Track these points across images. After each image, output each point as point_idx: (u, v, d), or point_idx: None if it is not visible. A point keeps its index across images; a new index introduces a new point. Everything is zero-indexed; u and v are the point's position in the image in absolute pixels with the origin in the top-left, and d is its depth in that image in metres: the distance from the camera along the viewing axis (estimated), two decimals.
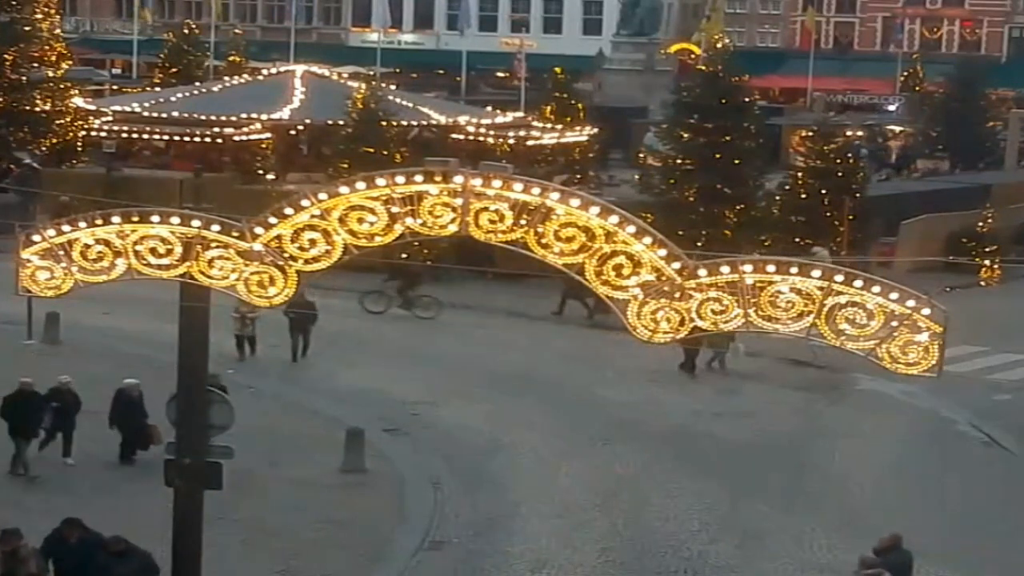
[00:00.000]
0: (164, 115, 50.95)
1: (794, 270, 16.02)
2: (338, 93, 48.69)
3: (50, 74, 51.54)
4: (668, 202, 42.15)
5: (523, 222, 16.05)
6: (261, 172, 48.15)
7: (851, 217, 41.41)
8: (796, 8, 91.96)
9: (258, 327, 31.91)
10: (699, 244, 35.51)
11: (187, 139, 49.49)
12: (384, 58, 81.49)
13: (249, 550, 21.73)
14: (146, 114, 51.64)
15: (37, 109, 50.37)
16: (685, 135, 43.63)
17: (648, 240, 16.05)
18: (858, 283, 15.91)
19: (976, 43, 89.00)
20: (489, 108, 57.52)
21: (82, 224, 16.98)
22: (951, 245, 44.40)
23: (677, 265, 16.06)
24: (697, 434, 28.90)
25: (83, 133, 51.12)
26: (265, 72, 58.72)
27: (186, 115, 50.47)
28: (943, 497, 25.81)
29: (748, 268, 16.07)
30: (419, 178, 16.19)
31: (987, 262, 44.41)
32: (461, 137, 51.05)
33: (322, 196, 16.47)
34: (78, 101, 52.29)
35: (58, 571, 18.47)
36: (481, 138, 50.84)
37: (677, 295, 16.08)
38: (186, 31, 65.40)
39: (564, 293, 36.75)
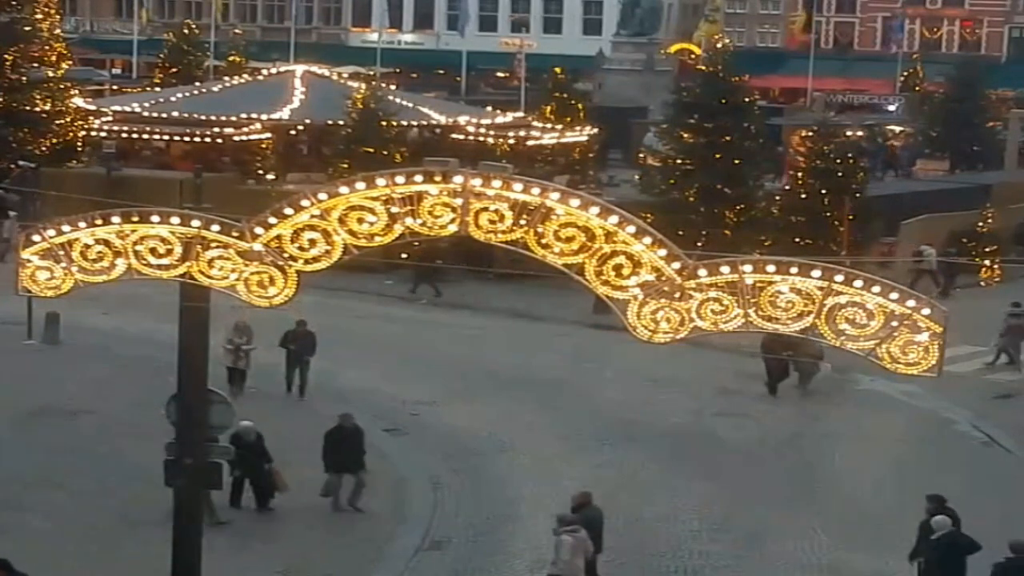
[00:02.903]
0: (164, 115, 50.96)
1: (794, 270, 16.01)
2: (338, 93, 48.70)
3: (50, 74, 51.51)
4: (668, 202, 42.17)
5: (523, 222, 16.05)
6: (261, 172, 48.15)
7: (851, 217, 41.40)
8: (796, 8, 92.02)
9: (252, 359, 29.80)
10: (699, 244, 35.53)
11: (187, 139, 49.50)
12: (384, 58, 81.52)
13: (249, 550, 21.73)
14: (146, 114, 51.66)
15: (37, 109, 50.36)
16: (685, 135, 43.67)
17: (648, 240, 16.05)
18: (858, 283, 15.91)
19: (976, 43, 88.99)
20: (489, 108, 57.53)
21: (82, 224, 16.98)
22: (951, 245, 44.38)
23: (677, 265, 16.06)
24: (697, 434, 28.90)
25: (83, 133, 51.10)
26: (265, 72, 58.73)
27: (186, 115, 50.48)
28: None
29: (748, 268, 16.07)
30: (419, 178, 16.19)
31: (987, 262, 44.41)
32: (461, 137, 51.06)
33: (322, 196, 16.47)
34: (78, 101, 52.28)
35: None
36: (481, 138, 50.84)
37: (677, 295, 16.08)
38: (186, 31, 65.42)
39: (416, 276, 39.54)
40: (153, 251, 16.85)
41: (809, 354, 29.31)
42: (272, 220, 16.61)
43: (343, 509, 23.64)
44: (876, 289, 15.87)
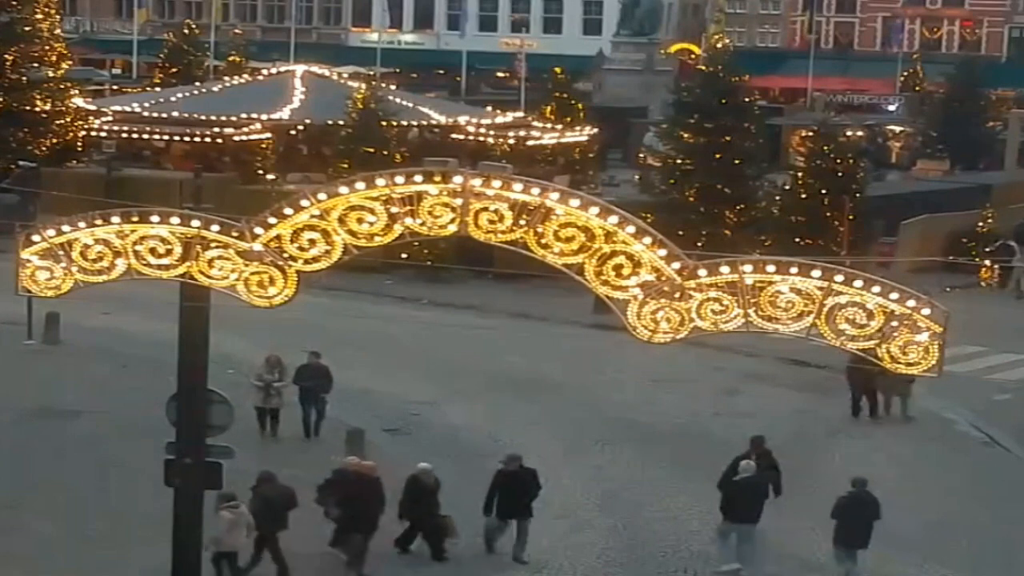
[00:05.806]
0: (164, 115, 51.03)
1: (794, 270, 16.03)
2: (338, 93, 48.75)
3: (50, 74, 51.58)
4: (668, 202, 42.20)
5: (523, 222, 16.07)
6: (261, 172, 48.18)
7: (851, 217, 41.41)
8: (796, 8, 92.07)
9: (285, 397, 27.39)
10: (699, 244, 35.52)
11: (187, 139, 49.54)
12: (384, 58, 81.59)
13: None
14: (146, 114, 51.72)
15: (37, 109, 50.39)
16: (685, 135, 43.69)
17: (648, 240, 16.06)
18: (858, 283, 15.93)
19: (976, 43, 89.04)
20: (489, 108, 57.57)
21: (82, 224, 17.00)
22: (951, 245, 44.39)
23: (677, 265, 16.07)
24: (697, 434, 28.88)
25: (83, 133, 51.15)
26: (265, 72, 58.81)
27: (186, 115, 50.55)
28: (943, 497, 25.79)
29: (748, 268, 16.09)
30: (419, 178, 16.22)
31: (987, 262, 44.40)
32: (461, 137, 51.07)
33: (322, 196, 16.49)
34: (78, 101, 52.32)
35: None
36: (481, 138, 50.87)
37: (677, 295, 16.09)
38: (186, 31, 65.50)
39: None
40: (153, 251, 16.87)
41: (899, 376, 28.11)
42: (272, 220, 16.63)
43: (497, 552, 22.26)
44: (876, 289, 15.89)
